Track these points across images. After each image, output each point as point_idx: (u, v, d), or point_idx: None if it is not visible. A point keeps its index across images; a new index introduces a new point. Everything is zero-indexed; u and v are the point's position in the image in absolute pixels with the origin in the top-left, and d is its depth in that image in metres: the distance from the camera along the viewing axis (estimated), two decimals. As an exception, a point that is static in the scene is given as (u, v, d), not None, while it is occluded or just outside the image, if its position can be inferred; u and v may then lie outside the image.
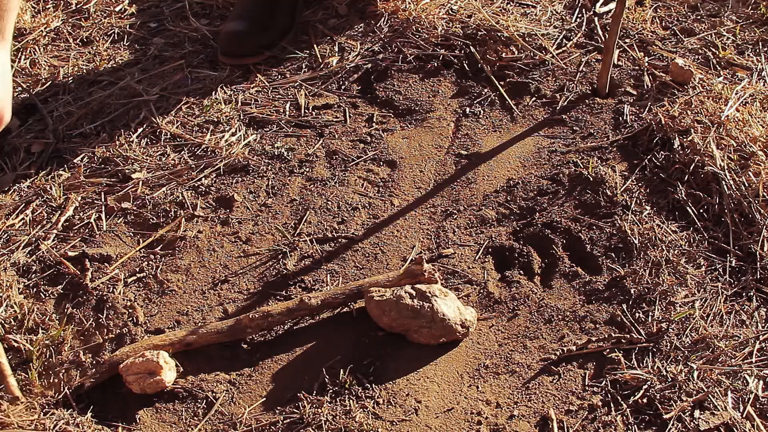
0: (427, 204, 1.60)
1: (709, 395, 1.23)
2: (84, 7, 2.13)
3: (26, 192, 1.64)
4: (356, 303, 1.41)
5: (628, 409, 1.23)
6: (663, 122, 1.67)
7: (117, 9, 2.12)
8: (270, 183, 1.64)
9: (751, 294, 1.38)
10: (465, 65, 1.87)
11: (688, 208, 1.52)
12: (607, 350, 1.32)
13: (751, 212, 1.48)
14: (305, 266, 1.49)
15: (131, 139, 1.73)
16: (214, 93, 1.84)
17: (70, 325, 1.38)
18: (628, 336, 1.33)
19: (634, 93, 1.78)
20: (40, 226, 1.57)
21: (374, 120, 1.77)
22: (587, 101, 1.77)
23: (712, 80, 1.77)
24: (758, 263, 1.42)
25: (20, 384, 1.29)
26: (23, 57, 1.98)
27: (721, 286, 1.39)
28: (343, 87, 1.85)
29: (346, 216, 1.57)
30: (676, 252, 1.44)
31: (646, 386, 1.25)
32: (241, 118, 1.78)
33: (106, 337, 1.37)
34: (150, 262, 1.50)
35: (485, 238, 1.52)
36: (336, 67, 1.89)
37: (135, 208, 1.59)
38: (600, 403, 1.25)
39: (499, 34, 1.92)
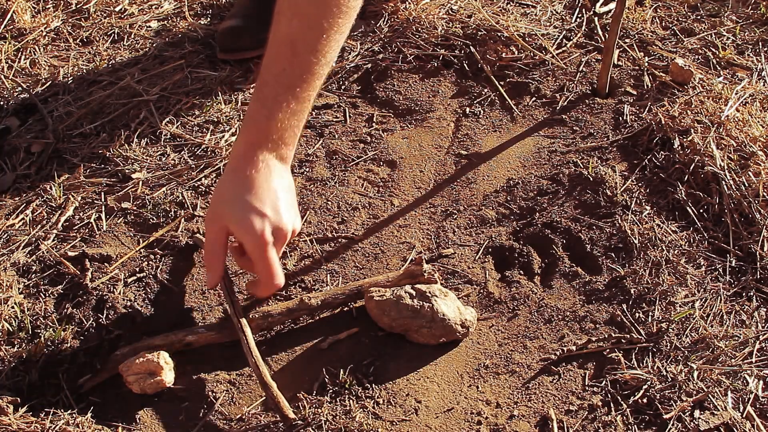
0: (427, 204, 1.60)
1: (709, 395, 1.23)
2: (84, 7, 2.13)
3: (26, 192, 1.64)
4: (356, 303, 1.41)
5: (628, 409, 1.23)
6: (663, 122, 1.67)
7: (117, 9, 2.12)
8: (270, 183, 1.64)
9: (751, 294, 1.38)
10: (465, 65, 1.87)
11: (688, 208, 1.52)
12: (607, 350, 1.32)
13: (751, 212, 1.48)
14: (305, 266, 1.49)
15: (131, 139, 1.73)
16: (214, 93, 1.84)
17: (70, 325, 1.38)
18: (628, 336, 1.33)
19: (634, 93, 1.78)
20: (40, 226, 1.56)
21: (374, 120, 1.77)
22: (587, 101, 1.77)
23: (712, 80, 1.77)
24: (758, 263, 1.42)
25: (20, 384, 1.29)
26: (23, 57, 1.98)
27: (721, 286, 1.39)
28: (343, 87, 1.85)
29: (346, 216, 1.57)
30: (676, 252, 1.44)
31: (646, 386, 1.25)
32: (241, 118, 1.78)
33: (106, 337, 1.37)
34: (150, 262, 1.50)
35: (485, 238, 1.52)
36: (336, 67, 1.89)
37: (135, 208, 1.59)
38: (600, 403, 1.25)
39: (499, 34, 1.92)
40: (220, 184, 1.19)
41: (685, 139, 1.62)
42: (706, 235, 1.47)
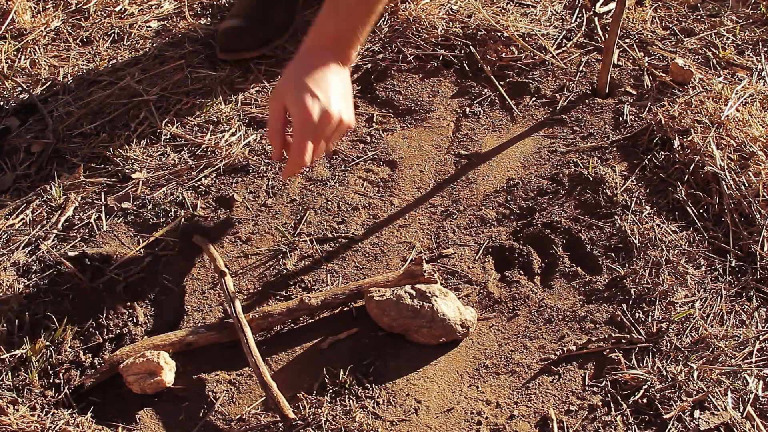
0: (427, 204, 1.60)
1: (709, 395, 1.23)
2: (84, 7, 2.13)
3: (26, 192, 1.64)
4: (356, 303, 1.41)
5: (628, 409, 1.23)
6: (663, 122, 1.67)
7: (117, 9, 2.12)
8: (270, 183, 1.64)
9: (751, 294, 1.38)
10: (465, 65, 1.87)
11: (688, 208, 1.52)
12: (607, 350, 1.32)
13: (751, 212, 1.48)
14: (305, 266, 1.49)
15: (131, 139, 1.73)
16: (214, 93, 1.84)
17: (70, 325, 1.38)
18: (628, 336, 1.33)
19: (634, 93, 1.78)
20: (40, 226, 1.57)
21: (374, 120, 1.77)
22: (587, 101, 1.77)
23: (712, 80, 1.77)
24: (758, 263, 1.42)
25: (20, 384, 1.29)
26: (23, 57, 1.98)
27: (721, 286, 1.39)
28: (343, 87, 1.85)
29: (346, 216, 1.57)
30: (676, 252, 1.44)
31: (646, 386, 1.25)
32: (241, 118, 1.78)
33: (106, 337, 1.37)
34: (150, 262, 1.50)
35: (485, 238, 1.52)
36: (336, 67, 1.89)
37: (135, 208, 1.59)
38: (600, 403, 1.25)
39: (499, 34, 1.92)
40: (286, 70, 1.30)
41: (685, 139, 1.62)
42: (706, 235, 1.47)
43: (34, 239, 1.54)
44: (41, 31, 2.05)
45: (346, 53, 1.31)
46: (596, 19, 1.97)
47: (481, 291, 1.43)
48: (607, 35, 1.76)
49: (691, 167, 1.57)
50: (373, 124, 1.76)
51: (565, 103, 1.78)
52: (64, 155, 1.72)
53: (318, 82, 1.25)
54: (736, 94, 1.71)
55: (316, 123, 1.24)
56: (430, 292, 1.35)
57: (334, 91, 1.26)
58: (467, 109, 1.78)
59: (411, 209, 1.59)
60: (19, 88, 1.89)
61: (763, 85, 1.76)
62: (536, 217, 1.54)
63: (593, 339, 1.34)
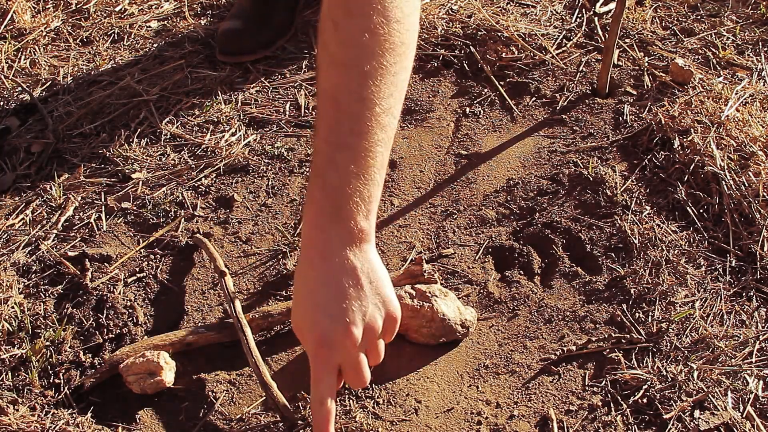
0: (427, 204, 1.60)
1: (709, 395, 1.23)
2: (84, 7, 2.13)
3: (26, 192, 1.64)
4: (356, 303, 1.41)
5: (628, 409, 1.23)
6: (663, 122, 1.67)
7: (117, 9, 2.12)
8: (270, 183, 1.64)
9: (751, 294, 1.38)
10: (465, 65, 1.87)
11: (688, 208, 1.52)
12: (607, 350, 1.32)
13: (751, 212, 1.48)
14: (305, 266, 1.48)
15: (131, 139, 1.74)
16: (214, 93, 1.84)
17: (70, 325, 1.38)
18: (628, 336, 1.33)
19: (634, 93, 1.78)
20: (40, 226, 1.57)
21: (374, 120, 1.77)
22: (587, 101, 1.77)
23: (712, 80, 1.77)
24: (758, 263, 1.42)
25: (20, 384, 1.29)
26: (23, 57, 1.98)
27: (721, 286, 1.39)
28: (343, 87, 1.85)
29: (346, 216, 1.57)
30: (676, 252, 1.44)
31: (646, 386, 1.25)
32: (241, 118, 1.78)
33: (106, 337, 1.37)
34: (150, 262, 1.50)
35: (485, 238, 1.52)
36: (336, 67, 1.89)
37: (135, 208, 1.59)
38: (600, 403, 1.25)
39: (499, 34, 1.92)
40: (294, 286, 1.05)
41: (685, 139, 1.62)
42: (706, 235, 1.47)
43: (34, 239, 1.54)
44: (41, 31, 2.05)
45: (356, 223, 0.97)
46: (596, 19, 1.97)
47: (481, 291, 1.43)
48: (607, 35, 1.76)
49: (691, 167, 1.57)
50: (373, 124, 1.76)
51: (565, 103, 1.78)
52: (64, 155, 1.72)
53: (318, 301, 0.96)
54: (736, 94, 1.71)
55: (320, 360, 0.98)
56: (430, 292, 1.35)
57: (344, 301, 0.95)
58: (467, 109, 1.78)
59: (411, 209, 1.59)
60: (19, 88, 1.89)
61: (763, 85, 1.76)
62: (536, 217, 1.54)
63: (593, 339, 1.34)
